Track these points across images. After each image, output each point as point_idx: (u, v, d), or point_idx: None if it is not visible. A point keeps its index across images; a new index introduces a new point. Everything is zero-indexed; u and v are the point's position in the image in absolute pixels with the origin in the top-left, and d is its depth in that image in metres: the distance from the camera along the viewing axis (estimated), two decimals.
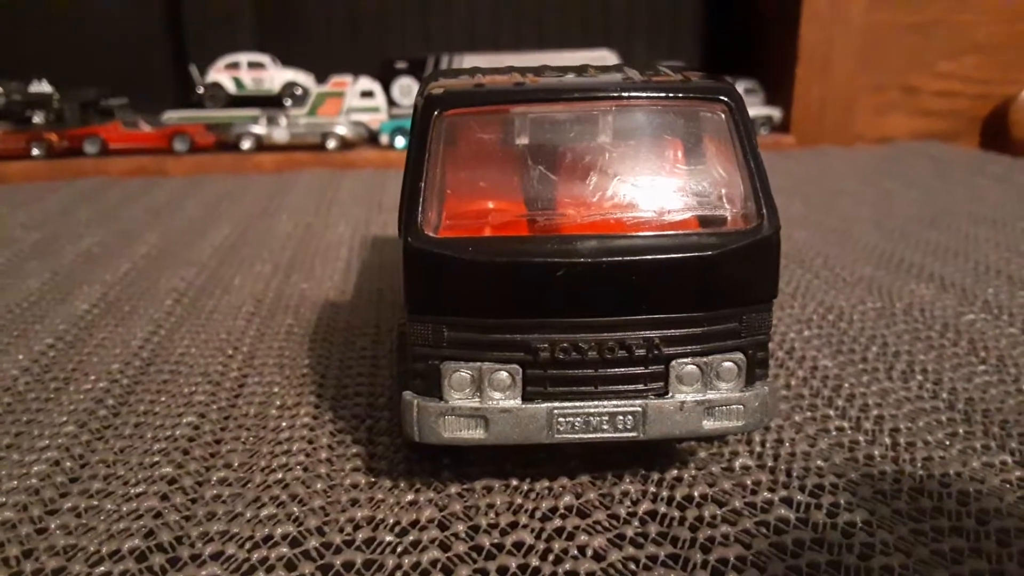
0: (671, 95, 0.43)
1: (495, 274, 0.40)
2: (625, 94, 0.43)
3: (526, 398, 0.43)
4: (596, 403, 0.42)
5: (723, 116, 0.43)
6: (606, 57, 1.82)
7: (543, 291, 0.41)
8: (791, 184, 1.37)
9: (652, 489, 0.47)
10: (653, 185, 0.43)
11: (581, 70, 0.49)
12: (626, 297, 0.41)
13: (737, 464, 0.50)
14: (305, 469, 0.50)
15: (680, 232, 0.42)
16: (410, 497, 0.47)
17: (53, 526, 0.44)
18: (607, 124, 0.44)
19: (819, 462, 0.50)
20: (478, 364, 0.42)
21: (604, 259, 0.40)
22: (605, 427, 0.43)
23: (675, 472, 0.49)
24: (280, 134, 1.63)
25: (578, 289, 0.41)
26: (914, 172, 1.47)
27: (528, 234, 0.42)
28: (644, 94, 0.43)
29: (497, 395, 0.42)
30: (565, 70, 0.49)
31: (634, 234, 0.41)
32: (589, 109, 0.43)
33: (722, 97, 0.43)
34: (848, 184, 1.37)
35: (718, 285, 0.42)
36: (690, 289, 0.41)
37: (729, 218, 0.43)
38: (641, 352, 0.42)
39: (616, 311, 0.41)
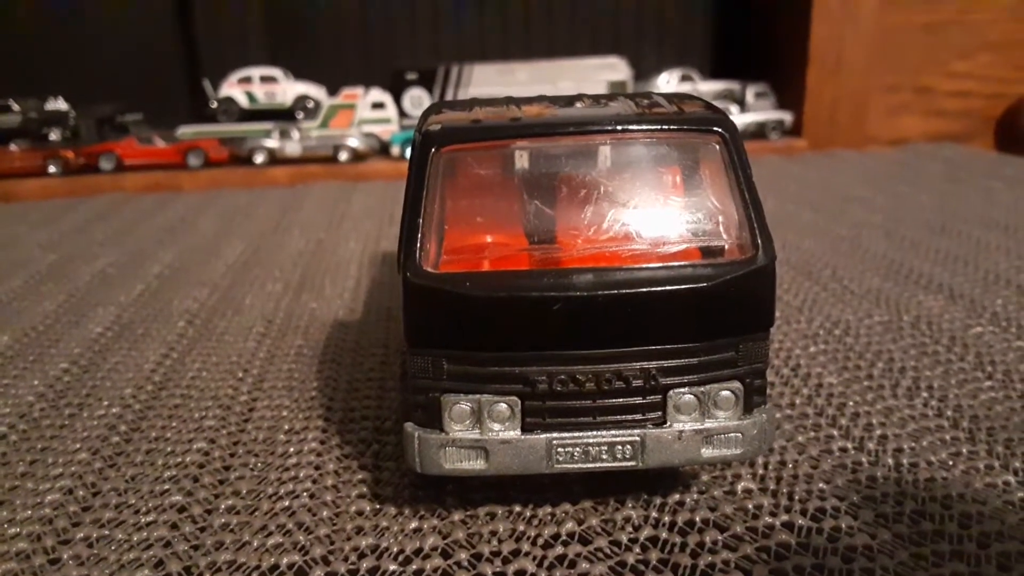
0: (665, 127, 0.43)
1: (492, 308, 0.41)
2: (620, 127, 0.43)
3: (525, 429, 0.43)
4: (595, 433, 0.43)
5: (717, 147, 0.43)
6: (616, 64, 1.82)
7: (540, 324, 0.41)
8: (802, 190, 1.37)
9: (654, 514, 0.48)
10: (649, 217, 0.44)
11: (577, 99, 0.49)
12: (623, 329, 0.41)
13: (739, 487, 0.50)
14: (311, 496, 0.50)
15: (675, 264, 0.42)
16: (414, 524, 0.47)
17: (66, 556, 0.45)
18: (602, 157, 0.44)
19: (821, 484, 0.50)
20: (477, 396, 0.43)
21: (600, 292, 0.41)
22: (604, 456, 0.43)
23: (677, 496, 0.49)
24: (293, 147, 1.64)
25: (575, 322, 0.41)
26: (926, 176, 1.46)
27: (526, 268, 0.43)
28: (639, 127, 0.43)
29: (497, 426, 0.43)
30: (561, 100, 0.49)
31: (630, 266, 0.42)
32: (585, 143, 0.44)
33: (716, 128, 0.43)
34: (859, 189, 1.36)
35: (714, 316, 0.42)
36: (686, 320, 0.42)
37: (724, 248, 0.43)
38: (638, 383, 0.42)
39: (613, 343, 0.42)
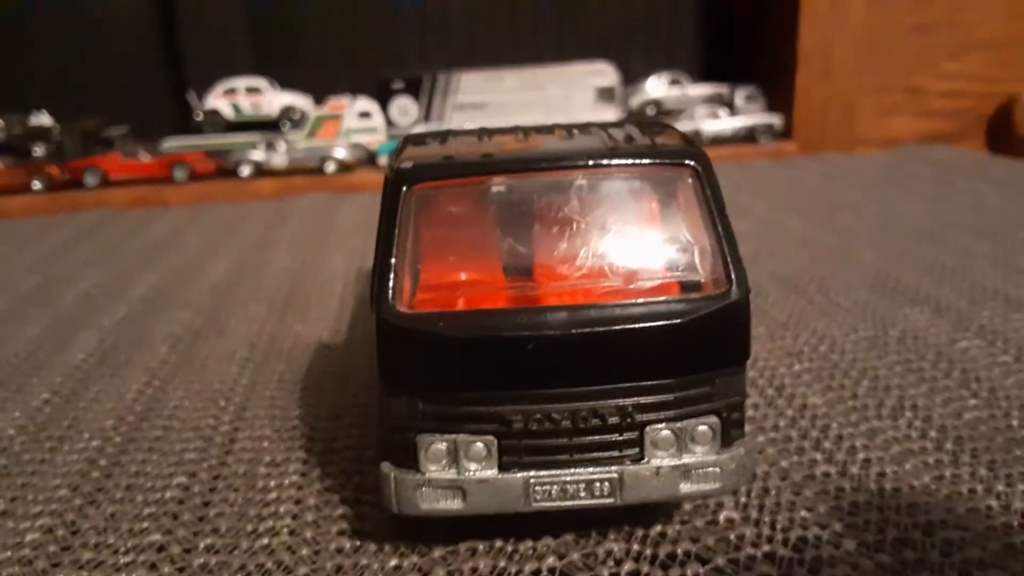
0: (639, 161, 0.43)
1: (466, 349, 0.41)
2: (592, 162, 0.43)
3: (502, 468, 0.43)
4: (572, 471, 0.43)
5: (691, 180, 0.43)
6: (605, 70, 1.82)
7: (515, 364, 0.41)
8: (791, 196, 1.37)
9: (636, 547, 0.47)
10: (623, 252, 0.43)
11: (551, 130, 0.49)
12: (597, 367, 0.41)
13: (721, 517, 0.50)
14: (291, 533, 0.50)
15: (649, 300, 0.42)
16: (394, 562, 0.47)
17: None
18: (576, 192, 0.44)
19: (803, 513, 0.50)
20: (454, 436, 0.42)
21: (574, 331, 0.40)
22: (582, 494, 0.43)
23: (659, 528, 0.49)
24: (279, 159, 1.64)
25: (549, 361, 0.41)
26: (916, 180, 1.46)
27: (502, 306, 0.43)
28: (612, 161, 0.43)
29: (473, 466, 0.43)
30: (535, 131, 0.49)
31: (603, 304, 0.42)
32: (558, 178, 0.44)
33: (688, 161, 0.43)
34: (849, 194, 1.36)
35: (689, 351, 0.42)
36: (661, 356, 0.42)
37: (698, 283, 0.43)
38: (615, 420, 0.42)
39: (588, 380, 0.41)
